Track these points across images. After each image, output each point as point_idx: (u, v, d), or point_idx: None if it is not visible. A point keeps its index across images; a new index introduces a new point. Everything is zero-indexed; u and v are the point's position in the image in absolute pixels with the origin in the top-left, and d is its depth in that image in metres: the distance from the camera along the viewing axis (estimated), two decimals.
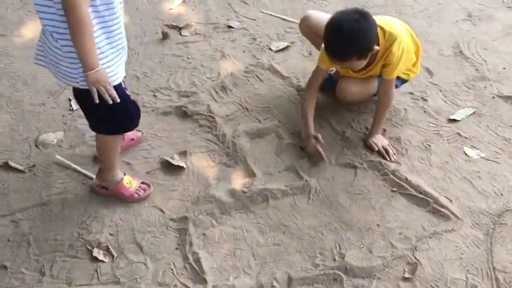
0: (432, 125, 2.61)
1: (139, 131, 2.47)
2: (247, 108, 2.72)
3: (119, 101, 1.84)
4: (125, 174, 2.20)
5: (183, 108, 2.68)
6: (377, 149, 2.40)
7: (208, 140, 2.52)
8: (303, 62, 3.05)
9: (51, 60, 1.86)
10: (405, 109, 2.70)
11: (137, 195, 2.22)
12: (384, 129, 2.53)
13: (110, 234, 2.10)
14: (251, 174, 2.35)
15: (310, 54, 3.11)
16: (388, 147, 2.41)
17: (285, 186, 2.28)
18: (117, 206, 2.21)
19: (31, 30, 3.30)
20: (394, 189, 2.28)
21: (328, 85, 2.62)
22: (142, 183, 2.26)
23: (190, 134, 2.57)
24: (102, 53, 1.78)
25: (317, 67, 2.49)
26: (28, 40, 3.23)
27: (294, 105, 2.73)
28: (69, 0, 1.59)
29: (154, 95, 2.82)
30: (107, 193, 2.21)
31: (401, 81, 2.58)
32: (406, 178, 2.30)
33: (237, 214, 2.19)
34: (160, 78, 2.93)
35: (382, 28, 2.30)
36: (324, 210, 2.20)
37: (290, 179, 2.33)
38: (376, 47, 2.23)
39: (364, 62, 2.27)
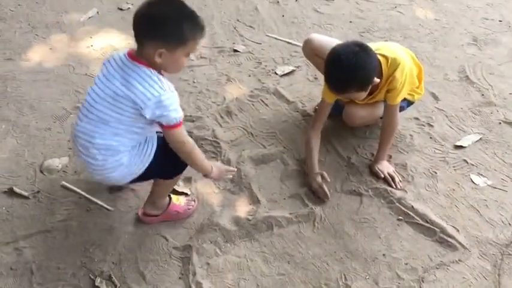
0: (438, 151, 2.60)
1: None
2: (252, 134, 2.71)
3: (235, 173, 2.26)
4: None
5: (189, 134, 2.67)
6: (383, 176, 2.39)
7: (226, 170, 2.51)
8: (309, 86, 3.05)
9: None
10: (411, 135, 2.68)
11: (189, 209, 2.25)
12: (389, 156, 2.52)
13: (113, 262, 2.09)
14: (255, 201, 2.34)
15: (315, 78, 3.11)
16: (394, 174, 2.39)
17: (290, 213, 2.27)
18: (121, 233, 2.20)
19: (38, 54, 3.34)
20: (400, 217, 2.25)
21: (335, 112, 2.62)
22: (185, 194, 2.31)
23: None
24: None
25: (322, 100, 2.49)
26: (35, 64, 3.26)
27: (299, 131, 2.72)
28: (185, 147, 1.91)
29: None
30: (158, 220, 2.21)
31: (407, 102, 2.57)
32: (412, 206, 2.28)
33: (241, 242, 2.17)
34: None
35: (383, 55, 2.30)
36: (329, 238, 2.18)
37: (295, 207, 2.31)
38: (376, 80, 2.23)
39: (364, 94, 2.27)
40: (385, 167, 2.42)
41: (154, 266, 2.08)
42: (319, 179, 2.34)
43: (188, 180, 2.43)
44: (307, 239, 2.18)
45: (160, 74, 1.82)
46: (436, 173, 2.47)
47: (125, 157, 1.89)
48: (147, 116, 1.77)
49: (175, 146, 1.89)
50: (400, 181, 2.38)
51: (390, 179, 2.37)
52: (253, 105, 2.92)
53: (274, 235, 2.19)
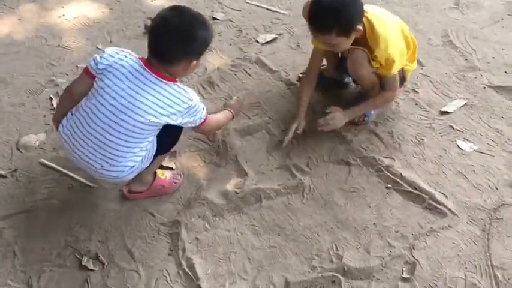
0: (424, 117, 2.58)
1: None
2: None
3: None
4: None
5: None
6: (321, 123, 2.36)
7: (198, 139, 2.45)
8: (292, 54, 2.98)
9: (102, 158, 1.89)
10: (397, 102, 2.65)
11: (175, 183, 2.20)
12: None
13: (99, 241, 2.03)
14: (243, 173, 2.29)
15: (298, 46, 3.04)
16: (328, 126, 2.36)
17: (278, 185, 2.23)
18: (105, 210, 2.13)
19: (7, 25, 3.17)
20: (389, 185, 2.24)
21: (322, 81, 2.56)
22: (168, 168, 2.27)
23: None
24: None
25: (313, 49, 2.43)
26: (4, 36, 3.10)
27: (284, 100, 2.67)
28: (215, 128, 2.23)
29: None
30: (143, 195, 2.16)
31: (402, 76, 2.47)
32: (401, 174, 2.26)
33: (230, 216, 2.13)
34: None
35: (369, 21, 2.21)
36: (318, 209, 2.15)
37: (283, 178, 2.27)
38: (359, 27, 2.14)
39: (346, 41, 2.16)
40: (337, 119, 2.36)
41: (142, 243, 2.03)
42: (293, 127, 2.36)
43: (173, 154, 2.36)
44: (296, 210, 2.15)
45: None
46: (423, 140, 2.45)
47: (137, 165, 1.93)
48: (177, 123, 1.86)
49: (210, 132, 2.25)
50: (322, 128, 2.37)
51: (321, 124, 2.35)
52: (235, 75, 2.84)
53: (263, 207, 2.16)
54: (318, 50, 2.40)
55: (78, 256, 1.98)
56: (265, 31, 3.16)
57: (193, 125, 1.92)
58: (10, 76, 2.82)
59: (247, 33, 3.14)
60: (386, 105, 2.50)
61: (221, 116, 2.21)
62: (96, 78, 1.87)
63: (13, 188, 2.22)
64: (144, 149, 1.90)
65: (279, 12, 3.32)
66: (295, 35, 3.13)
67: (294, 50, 3.02)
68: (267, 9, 3.36)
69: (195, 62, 1.84)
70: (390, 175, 2.27)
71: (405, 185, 2.22)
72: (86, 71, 1.91)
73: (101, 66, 1.85)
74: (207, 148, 2.41)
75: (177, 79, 1.88)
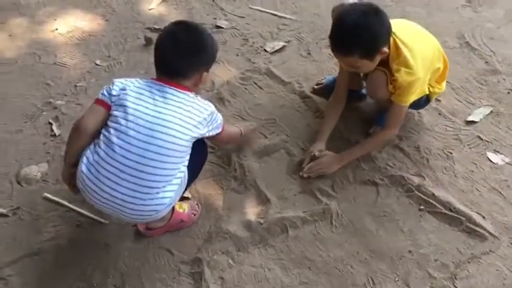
0: (450, 128, 2.43)
1: None
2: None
3: None
4: None
5: None
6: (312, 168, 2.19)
7: (212, 163, 2.28)
8: (303, 63, 2.82)
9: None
10: (419, 112, 2.50)
11: (194, 214, 2.05)
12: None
13: (115, 286, 1.86)
14: (264, 200, 2.13)
15: (309, 54, 2.88)
16: (317, 172, 2.19)
17: (304, 212, 2.07)
18: (119, 249, 1.96)
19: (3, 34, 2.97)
20: (422, 207, 2.09)
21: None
22: (185, 198, 2.10)
23: None
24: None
25: (339, 70, 2.31)
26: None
27: (300, 115, 2.50)
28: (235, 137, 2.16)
29: None
30: (160, 231, 1.99)
31: (426, 98, 2.30)
32: (433, 194, 2.12)
33: (255, 250, 1.97)
34: None
35: (397, 43, 2.06)
36: (349, 237, 2.00)
37: (308, 203, 2.12)
38: (385, 50, 2.00)
39: (370, 65, 2.03)
40: (328, 166, 2.19)
41: (163, 285, 1.86)
42: (311, 153, 2.20)
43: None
44: (326, 239, 2.00)
45: None
46: (451, 153, 2.31)
47: (173, 196, 1.78)
48: (203, 134, 1.77)
49: (228, 142, 2.19)
50: (309, 172, 2.19)
51: (309, 171, 2.18)
52: (246, 88, 2.67)
53: (289, 238, 2.00)
54: (343, 69, 2.25)
55: None
56: (273, 38, 2.99)
57: (216, 131, 1.85)
58: (3, 99, 2.63)
59: (253, 42, 2.97)
60: (383, 146, 2.33)
61: (232, 129, 2.14)
62: (112, 107, 1.72)
63: (16, 228, 2.04)
64: (178, 176, 1.75)
65: (286, 18, 3.15)
66: (304, 42, 2.96)
67: (304, 58, 2.86)
68: (272, 14, 3.19)
69: (205, 73, 1.81)
70: (422, 195, 2.12)
71: (439, 206, 2.08)
72: (99, 102, 1.75)
73: (115, 93, 1.73)
74: (223, 173, 2.25)
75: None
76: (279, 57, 2.86)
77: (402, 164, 2.25)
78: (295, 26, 3.09)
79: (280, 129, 2.43)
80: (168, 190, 1.72)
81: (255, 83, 2.69)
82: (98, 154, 1.67)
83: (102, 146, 1.68)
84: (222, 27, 3.08)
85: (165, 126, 1.66)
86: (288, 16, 3.16)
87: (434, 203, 2.09)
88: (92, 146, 1.71)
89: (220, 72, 2.76)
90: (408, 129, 2.42)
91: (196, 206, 2.07)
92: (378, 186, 2.17)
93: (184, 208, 2.02)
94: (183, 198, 2.09)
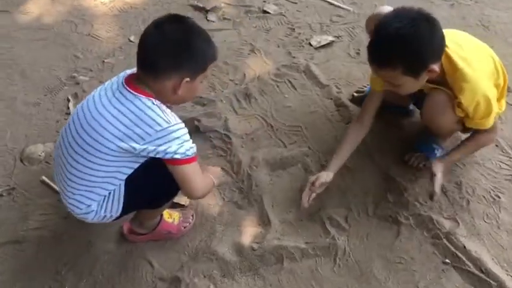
0: (505, 166, 2.05)
1: None
2: (272, 126, 2.23)
3: None
4: None
5: (196, 122, 2.23)
6: (435, 175, 1.80)
7: (220, 168, 2.07)
8: (349, 64, 2.50)
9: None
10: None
11: (184, 227, 1.86)
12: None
13: None
14: (266, 221, 1.90)
15: (358, 53, 2.55)
16: (437, 192, 1.82)
17: (306, 243, 1.82)
18: (100, 251, 1.83)
19: (38, 5, 2.90)
20: (447, 260, 1.77)
21: (393, 109, 2.17)
22: (181, 209, 1.91)
23: (200, 156, 2.13)
24: None
25: (371, 88, 1.97)
26: (34, 19, 2.85)
27: (330, 126, 2.22)
28: (197, 186, 1.55)
29: None
30: (145, 238, 1.83)
31: None
32: (464, 246, 1.78)
33: (242, 278, 1.76)
34: None
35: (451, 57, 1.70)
36: (351, 282, 1.73)
37: (314, 234, 1.86)
38: (434, 68, 1.65)
39: (415, 84, 1.69)
40: (442, 171, 1.83)
41: None
42: (313, 179, 1.84)
43: None
44: (324, 280, 1.74)
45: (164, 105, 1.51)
46: (499, 197, 1.94)
47: (93, 206, 1.58)
48: (139, 149, 1.44)
49: (184, 186, 1.54)
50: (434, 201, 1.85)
51: (436, 189, 1.80)
52: (277, 86, 2.41)
53: (283, 271, 1.77)
54: (375, 91, 1.92)
55: None
56: (322, 31, 2.69)
57: (169, 157, 1.44)
58: (31, 67, 2.57)
59: (300, 33, 2.68)
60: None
61: (206, 182, 1.63)
62: None
63: (7, 211, 1.96)
64: (105, 187, 1.54)
65: (342, 8, 2.82)
66: (356, 39, 2.63)
67: (352, 58, 2.53)
68: (329, 2, 2.87)
69: (187, 80, 1.47)
70: (450, 246, 1.79)
71: (468, 263, 1.74)
72: None
73: None
74: (230, 181, 2.04)
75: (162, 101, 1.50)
76: (323, 54, 2.56)
77: (435, 202, 1.92)
78: (350, 18, 2.76)
79: (303, 140, 2.16)
80: (87, 197, 1.54)
81: (289, 81, 2.43)
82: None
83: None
84: (269, 13, 2.81)
85: (93, 128, 1.46)
86: (344, 6, 2.83)
87: (463, 257, 1.76)
88: None
89: (255, 64, 2.52)
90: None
91: (190, 218, 1.89)
92: (400, 225, 1.87)
93: (174, 218, 1.84)
94: (177, 205, 1.92)
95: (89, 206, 1.56)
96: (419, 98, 2.07)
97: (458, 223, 1.85)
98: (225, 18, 2.81)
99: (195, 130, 2.22)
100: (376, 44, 1.67)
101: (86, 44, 2.68)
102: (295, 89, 2.39)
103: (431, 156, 2.01)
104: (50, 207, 1.97)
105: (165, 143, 1.43)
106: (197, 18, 2.77)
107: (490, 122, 1.75)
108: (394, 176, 2.01)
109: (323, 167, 2.04)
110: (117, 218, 1.66)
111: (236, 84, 2.42)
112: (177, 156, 1.44)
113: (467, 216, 1.88)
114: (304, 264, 1.78)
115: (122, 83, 1.49)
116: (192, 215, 1.90)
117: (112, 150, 1.45)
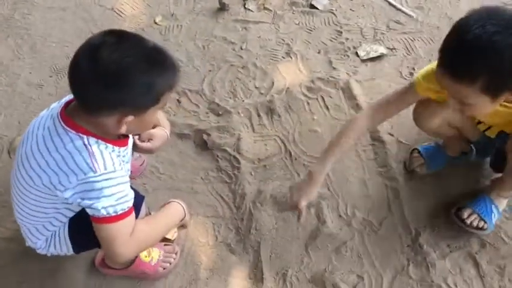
0: None
1: None
2: (290, 154, 1.91)
3: None
4: None
5: (204, 136, 1.94)
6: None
7: (221, 197, 1.80)
8: (397, 86, 2.07)
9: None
10: None
11: (163, 268, 1.60)
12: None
13: None
14: (258, 275, 1.62)
15: (411, 74, 2.15)
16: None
17: None
18: (66, 281, 1.62)
19: None
20: None
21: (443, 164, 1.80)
22: (165, 244, 1.65)
23: (202, 179, 1.85)
24: None
25: (408, 88, 1.54)
26: None
27: (359, 166, 1.87)
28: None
29: (178, 100, 2.09)
30: (116, 273, 1.60)
31: None
32: None
33: None
34: (195, 74, 2.18)
35: None
36: None
37: None
38: None
39: (487, 107, 1.31)
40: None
41: None
42: (311, 194, 1.53)
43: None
44: None
45: (105, 140, 1.22)
46: None
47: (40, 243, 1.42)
48: (66, 197, 1.21)
49: (108, 248, 1.25)
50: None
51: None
52: (307, 103, 2.06)
53: None
54: (416, 94, 1.52)
55: None
56: (374, 39, 2.29)
57: (94, 213, 1.20)
58: (43, 41, 2.34)
59: (347, 38, 2.29)
60: None
61: (159, 226, 1.39)
62: None
63: None
64: (47, 227, 1.38)
65: (404, 12, 2.39)
66: (413, 55, 2.22)
67: (402, 79, 2.13)
68: (389, 3, 2.43)
69: (131, 118, 1.17)
70: None
71: None
72: None
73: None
74: (228, 216, 1.76)
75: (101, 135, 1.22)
76: (369, 69, 2.18)
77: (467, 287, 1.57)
78: (411, 27, 2.33)
79: (325, 177, 1.82)
80: (34, 231, 1.39)
81: (323, 99, 2.07)
82: None
83: None
84: (317, 8, 2.42)
85: (23, 166, 1.27)
86: (407, 11, 2.39)
87: None
88: None
89: (287, 71, 2.17)
90: (498, 230, 1.68)
91: (173, 256, 1.63)
92: None
93: (152, 257, 1.59)
94: (163, 240, 1.66)
95: (35, 243, 1.39)
96: (485, 144, 1.70)
97: None
98: (265, 8, 2.44)
99: (202, 145, 1.94)
100: (453, 50, 1.25)
101: (106, 20, 2.42)
102: (328, 109, 2.04)
103: (487, 220, 1.63)
104: None
105: (84, 196, 1.19)
106: (234, 4, 2.43)
107: None
108: (423, 244, 1.65)
109: (343, 219, 1.72)
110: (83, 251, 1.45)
111: (261, 93, 2.09)
112: (93, 214, 1.20)
113: None
114: None
115: (57, 112, 1.22)
116: (176, 253, 1.64)
117: (42, 192, 1.25)
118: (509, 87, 1.24)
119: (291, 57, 2.23)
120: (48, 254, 1.44)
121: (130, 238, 1.24)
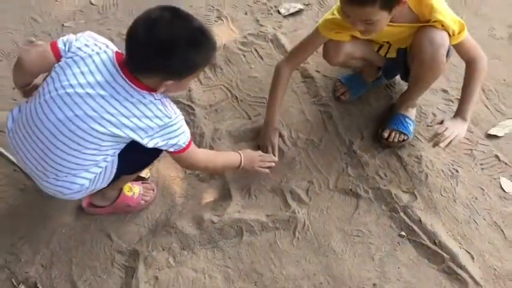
0: (465, 140, 2.06)
1: None
2: (236, 97, 2.20)
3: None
4: None
5: None
6: (442, 133, 1.77)
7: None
8: None
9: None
10: (434, 114, 2.15)
11: (144, 201, 1.85)
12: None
13: (42, 265, 1.72)
14: (226, 194, 1.90)
15: None
16: (451, 140, 1.78)
17: (267, 216, 1.83)
18: (57, 225, 1.81)
19: None
20: (403, 233, 1.80)
21: (361, 91, 2.16)
22: (142, 182, 1.90)
23: None
24: None
25: (315, 33, 1.90)
26: None
27: (295, 98, 2.21)
28: (202, 165, 1.69)
29: None
30: (104, 211, 1.82)
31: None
32: (420, 220, 1.82)
33: (201, 251, 1.77)
34: None
35: None
36: (309, 255, 1.76)
37: (274, 206, 1.87)
38: None
39: (385, 21, 1.67)
40: (457, 128, 1.81)
41: (91, 274, 1.70)
42: (274, 138, 1.98)
43: None
44: (282, 253, 1.76)
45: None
46: (457, 171, 1.97)
47: (87, 184, 1.55)
48: (145, 143, 1.47)
49: (191, 167, 1.81)
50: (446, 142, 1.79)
51: (443, 139, 1.77)
52: (244, 56, 2.36)
53: (242, 244, 1.78)
54: (322, 36, 1.88)
55: (14, 283, 1.68)
56: None
57: (166, 149, 1.52)
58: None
59: None
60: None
61: (220, 156, 1.80)
62: (62, 60, 1.46)
63: None
64: (99, 165, 1.52)
65: None
66: (326, 6, 2.59)
67: None
68: None
69: (170, 82, 1.41)
70: (406, 219, 1.83)
71: (422, 236, 1.78)
72: (54, 46, 1.49)
73: (73, 49, 1.47)
74: None
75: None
76: (291, 23, 2.52)
77: (395, 176, 1.95)
78: None
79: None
80: (81, 176, 1.51)
81: (256, 51, 2.38)
82: (22, 111, 1.52)
83: (29, 104, 1.50)
84: None
85: (90, 117, 1.40)
86: None
87: (418, 230, 1.80)
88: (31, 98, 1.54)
89: (222, 32, 2.46)
90: (415, 134, 2.08)
91: (151, 191, 1.87)
92: (359, 199, 1.89)
93: (134, 192, 1.82)
94: (138, 178, 1.90)
95: (82, 185, 1.53)
96: (388, 67, 2.07)
97: (416, 197, 1.89)
98: None
99: None
100: None
101: (45, 5, 2.57)
102: (262, 58, 2.35)
103: (407, 132, 2.01)
104: (5, 178, 1.92)
105: (165, 137, 1.48)
106: None
107: (465, 31, 1.77)
108: (356, 150, 2.01)
109: (290, 140, 2.04)
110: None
111: None
112: (173, 149, 1.52)
113: (424, 190, 1.91)
114: (263, 237, 1.80)
115: (118, 71, 1.41)
116: (153, 189, 1.88)
117: (112, 136, 1.44)
118: (398, 0, 1.62)
119: (223, 20, 2.52)
120: (80, 197, 1.59)
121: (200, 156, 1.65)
